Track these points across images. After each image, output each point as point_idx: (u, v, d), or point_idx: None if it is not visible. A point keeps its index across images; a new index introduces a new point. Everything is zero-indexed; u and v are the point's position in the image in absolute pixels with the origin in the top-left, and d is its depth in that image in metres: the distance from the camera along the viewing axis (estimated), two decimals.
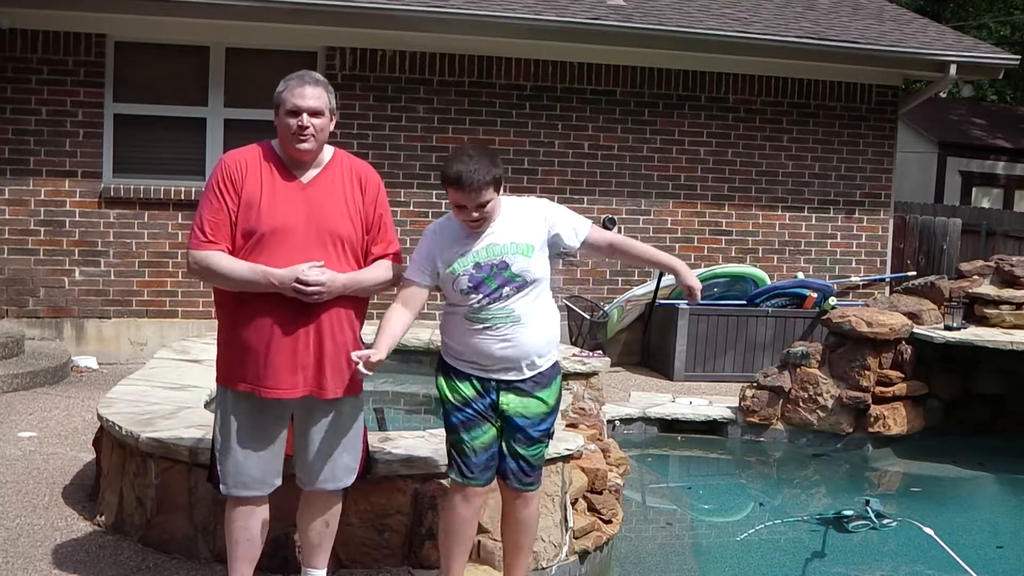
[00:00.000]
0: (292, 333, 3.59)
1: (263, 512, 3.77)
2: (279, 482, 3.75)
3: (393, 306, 3.78)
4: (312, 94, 3.62)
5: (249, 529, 3.73)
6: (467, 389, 3.78)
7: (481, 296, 3.70)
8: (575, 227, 3.91)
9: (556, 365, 3.91)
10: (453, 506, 3.84)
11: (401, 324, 3.74)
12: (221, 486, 3.70)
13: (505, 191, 3.82)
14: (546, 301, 3.85)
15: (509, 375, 3.78)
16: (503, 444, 3.83)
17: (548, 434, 3.93)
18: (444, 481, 4.17)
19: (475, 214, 3.66)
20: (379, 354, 3.59)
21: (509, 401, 3.78)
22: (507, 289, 3.72)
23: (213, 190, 3.63)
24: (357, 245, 3.72)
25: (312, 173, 3.69)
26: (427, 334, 6.69)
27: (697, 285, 4.00)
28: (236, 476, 3.67)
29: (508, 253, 3.73)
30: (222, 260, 3.57)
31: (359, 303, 3.77)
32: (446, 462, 3.92)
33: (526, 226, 3.80)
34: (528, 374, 3.79)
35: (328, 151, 3.75)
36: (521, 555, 4.00)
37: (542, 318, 3.81)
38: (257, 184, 3.61)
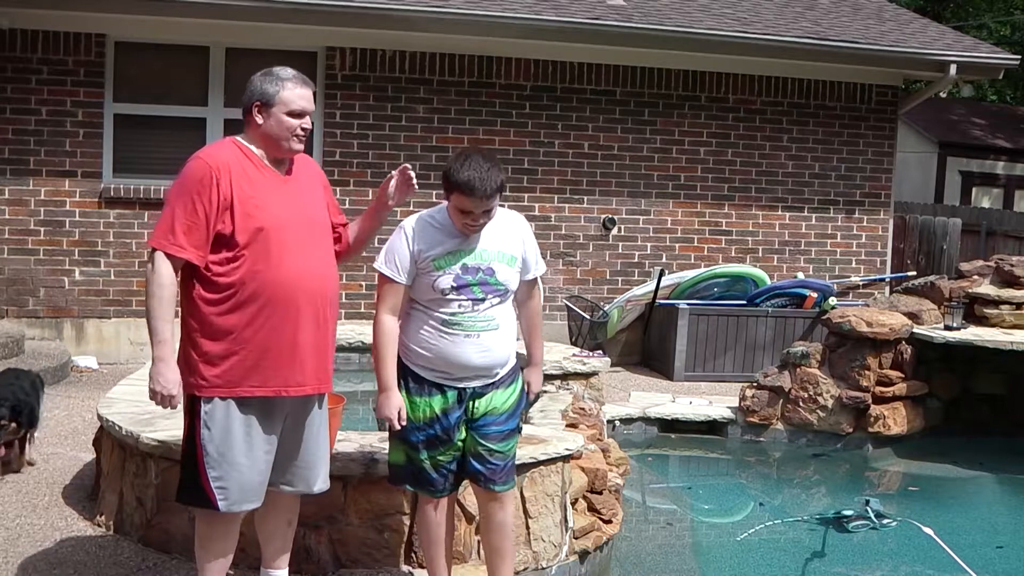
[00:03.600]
0: (315, 331, 3.56)
1: (239, 521, 3.69)
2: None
3: (385, 323, 3.71)
4: (311, 98, 3.61)
5: (227, 542, 3.66)
6: (438, 403, 3.71)
7: (464, 299, 3.67)
8: (536, 262, 3.92)
9: (517, 362, 3.91)
10: (422, 512, 3.85)
11: (395, 346, 3.75)
12: (221, 503, 3.50)
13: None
14: (512, 307, 3.88)
15: (481, 382, 3.75)
16: (471, 448, 3.77)
17: (518, 428, 3.94)
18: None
19: (478, 220, 3.66)
20: (400, 401, 3.71)
21: (480, 404, 3.76)
22: (490, 296, 3.71)
23: (190, 192, 3.45)
24: (330, 230, 3.78)
25: (283, 168, 3.66)
26: None
27: (536, 388, 4.03)
28: (242, 491, 3.52)
29: (495, 260, 3.73)
30: (168, 295, 3.45)
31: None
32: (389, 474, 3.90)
33: (511, 238, 3.81)
34: (496, 378, 3.79)
35: None
36: (504, 561, 3.90)
37: (511, 323, 3.82)
38: (243, 181, 3.51)
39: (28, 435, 5.52)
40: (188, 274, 3.52)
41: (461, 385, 3.73)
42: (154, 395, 3.47)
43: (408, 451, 3.76)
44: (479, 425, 3.76)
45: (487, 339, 3.70)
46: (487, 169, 3.60)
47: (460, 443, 3.77)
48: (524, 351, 4.02)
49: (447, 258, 3.68)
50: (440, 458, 3.74)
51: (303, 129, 3.56)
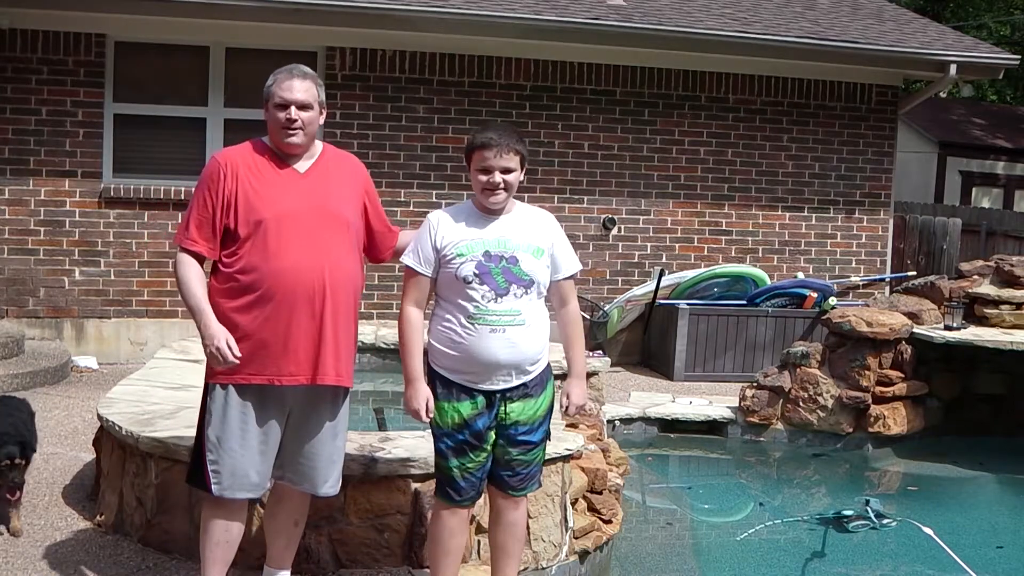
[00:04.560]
0: (309, 322, 3.57)
1: (244, 514, 3.75)
2: (269, 485, 3.72)
3: (410, 315, 3.70)
4: (300, 87, 3.63)
5: (230, 531, 3.69)
6: (466, 408, 3.66)
7: (487, 288, 3.61)
8: (569, 260, 3.85)
9: (548, 365, 3.86)
10: (440, 521, 3.80)
11: (422, 338, 3.73)
12: (214, 486, 3.60)
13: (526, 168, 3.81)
14: (543, 306, 3.80)
15: (510, 383, 3.68)
16: (499, 455, 3.74)
17: (547, 435, 3.88)
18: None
19: (497, 178, 3.64)
20: (428, 392, 3.67)
21: (511, 410, 3.70)
22: (514, 287, 3.64)
23: (203, 188, 3.65)
24: (359, 232, 3.77)
25: (307, 163, 3.72)
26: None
27: (577, 400, 3.83)
28: (234, 478, 3.60)
29: (519, 249, 3.68)
30: (192, 276, 3.60)
31: (359, 292, 3.77)
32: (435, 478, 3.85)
33: (538, 230, 3.77)
34: (526, 379, 3.72)
35: (318, 144, 3.78)
36: (510, 561, 3.87)
37: (541, 322, 3.74)
38: (251, 177, 3.62)
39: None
40: (210, 267, 3.68)
41: (489, 387, 3.67)
42: (212, 358, 3.55)
43: (438, 458, 3.74)
44: (510, 434, 3.72)
45: (513, 334, 3.62)
46: (506, 129, 3.73)
47: (489, 447, 3.72)
48: (547, 351, 3.85)
49: (469, 245, 3.65)
50: (469, 465, 3.69)
51: (288, 120, 3.60)
